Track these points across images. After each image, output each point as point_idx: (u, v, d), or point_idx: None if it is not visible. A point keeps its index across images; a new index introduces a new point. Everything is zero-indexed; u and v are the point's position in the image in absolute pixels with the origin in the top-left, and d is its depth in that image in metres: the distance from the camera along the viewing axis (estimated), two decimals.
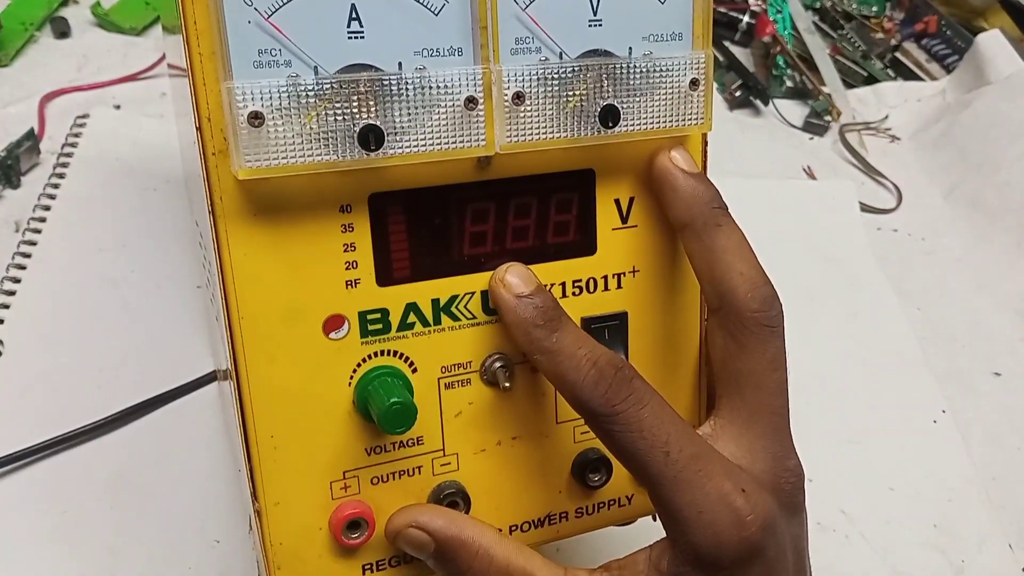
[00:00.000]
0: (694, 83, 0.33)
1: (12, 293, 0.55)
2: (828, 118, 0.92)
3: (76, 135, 0.66)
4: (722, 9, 0.98)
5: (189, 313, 0.57)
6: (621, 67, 0.31)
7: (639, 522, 0.38)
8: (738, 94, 0.91)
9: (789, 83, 0.95)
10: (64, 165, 0.63)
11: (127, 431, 0.51)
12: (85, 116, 0.67)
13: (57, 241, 0.59)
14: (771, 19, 0.96)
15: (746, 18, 0.98)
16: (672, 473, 0.29)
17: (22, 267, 0.57)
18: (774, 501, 0.31)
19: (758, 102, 0.93)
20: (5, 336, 0.53)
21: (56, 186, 0.62)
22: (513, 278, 0.32)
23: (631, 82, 0.31)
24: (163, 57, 0.74)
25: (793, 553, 0.32)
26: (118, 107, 0.70)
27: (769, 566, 0.30)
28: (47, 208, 0.60)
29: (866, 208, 0.81)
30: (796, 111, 0.93)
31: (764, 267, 0.34)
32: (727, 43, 0.97)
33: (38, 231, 0.59)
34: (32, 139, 0.64)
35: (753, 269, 0.33)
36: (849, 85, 0.98)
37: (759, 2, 0.98)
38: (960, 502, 0.57)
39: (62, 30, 0.77)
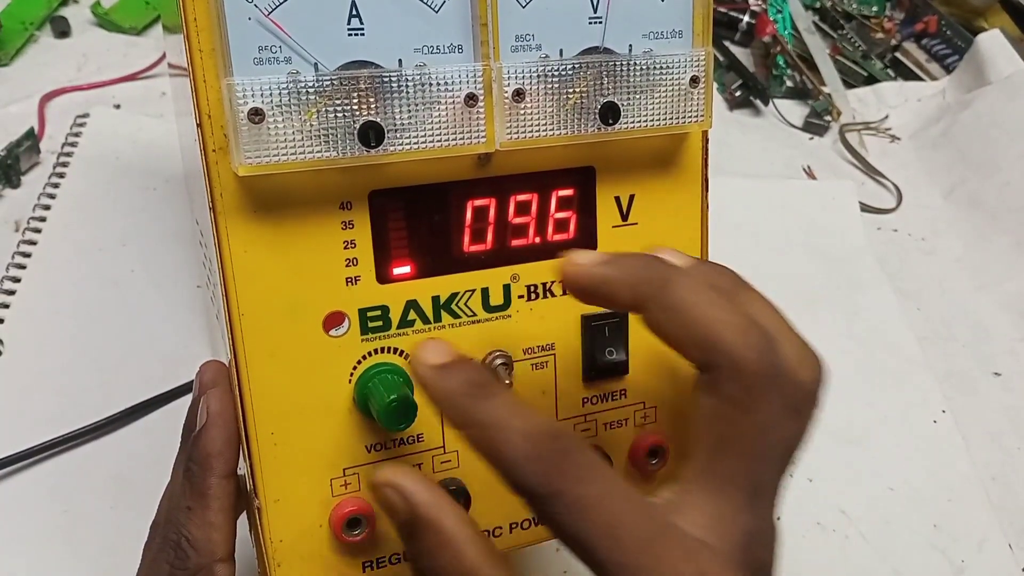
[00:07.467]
0: (694, 80, 0.33)
1: (12, 293, 0.55)
2: (828, 118, 0.92)
3: (76, 135, 0.66)
4: (722, 9, 0.98)
5: (189, 313, 0.57)
6: (621, 64, 0.31)
7: None
8: (738, 94, 0.91)
9: (789, 83, 0.95)
10: (64, 165, 0.63)
11: (127, 431, 0.51)
12: (85, 116, 0.67)
13: (57, 241, 0.59)
14: (771, 19, 0.96)
15: (746, 18, 0.98)
16: (621, 560, 0.25)
17: (22, 267, 0.57)
18: None
19: (758, 102, 0.93)
20: (5, 336, 0.53)
21: (56, 186, 0.62)
22: (426, 352, 0.28)
23: (631, 79, 0.31)
24: (163, 57, 0.74)
25: None
26: (118, 107, 0.70)
27: None
28: (47, 208, 0.60)
29: (866, 208, 0.81)
30: (796, 111, 0.93)
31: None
32: (727, 43, 0.97)
33: (38, 231, 0.59)
34: (32, 139, 0.64)
35: (731, 315, 0.28)
36: (849, 85, 0.98)
37: (759, 2, 0.98)
38: (960, 502, 0.57)
39: (62, 29, 0.77)
